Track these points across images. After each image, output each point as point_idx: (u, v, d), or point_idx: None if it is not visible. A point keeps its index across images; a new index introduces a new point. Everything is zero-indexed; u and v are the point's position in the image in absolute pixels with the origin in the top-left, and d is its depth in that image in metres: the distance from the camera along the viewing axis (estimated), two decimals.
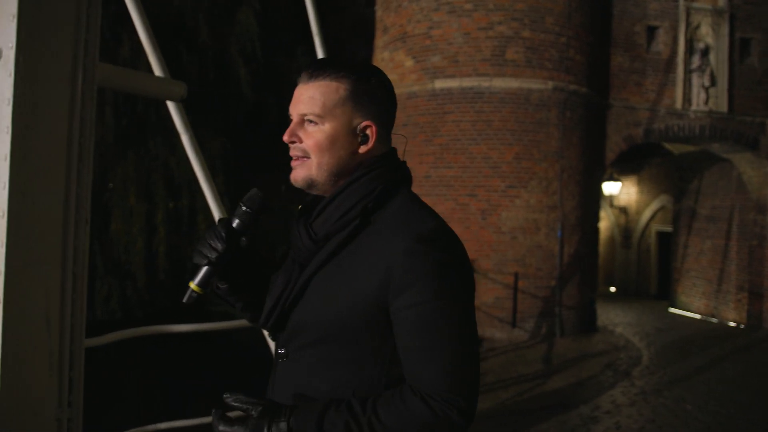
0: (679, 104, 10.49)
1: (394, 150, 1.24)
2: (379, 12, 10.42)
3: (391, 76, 8.38)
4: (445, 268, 1.09)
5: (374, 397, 1.07)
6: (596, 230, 10.43)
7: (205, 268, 1.21)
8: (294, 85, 1.50)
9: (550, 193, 9.06)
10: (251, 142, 17.32)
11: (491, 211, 8.87)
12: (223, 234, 1.20)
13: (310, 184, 1.19)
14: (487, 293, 8.88)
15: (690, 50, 10.60)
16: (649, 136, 10.50)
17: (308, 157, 1.17)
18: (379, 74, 1.21)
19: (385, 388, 1.11)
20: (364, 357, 1.13)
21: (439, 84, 9.05)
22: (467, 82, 8.92)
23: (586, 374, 6.94)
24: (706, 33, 10.68)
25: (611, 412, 5.41)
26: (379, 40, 10.28)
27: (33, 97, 2.32)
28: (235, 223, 1.24)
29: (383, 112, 1.20)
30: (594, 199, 10.16)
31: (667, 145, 12.65)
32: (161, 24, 15.26)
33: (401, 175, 1.22)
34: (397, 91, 7.03)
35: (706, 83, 10.60)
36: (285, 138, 1.19)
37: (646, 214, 16.46)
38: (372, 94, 1.18)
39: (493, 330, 8.87)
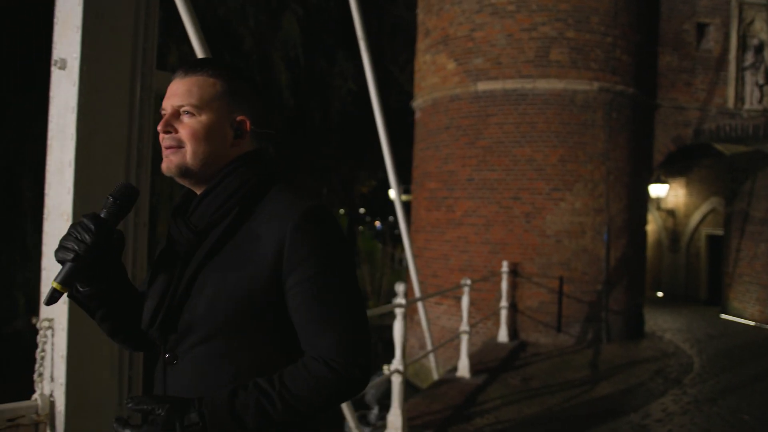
0: (731, 103, 10.15)
1: (266, 148, 1.27)
2: (420, 15, 10.41)
3: (433, 79, 8.38)
4: (333, 240, 1.13)
5: (279, 373, 1.09)
6: (644, 233, 10.17)
7: (69, 264, 1.11)
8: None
9: (596, 196, 8.88)
10: (293, 145, 17.56)
11: (535, 214, 8.74)
12: (92, 226, 1.12)
13: (184, 171, 1.18)
14: (532, 297, 8.75)
15: (743, 47, 10.25)
16: (699, 136, 10.19)
17: (182, 147, 1.17)
18: (251, 76, 1.27)
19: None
20: (262, 342, 1.13)
21: (482, 86, 8.98)
22: (510, 84, 8.83)
23: (635, 381, 6.76)
24: (760, 29, 10.31)
25: (663, 420, 5.26)
26: (421, 44, 10.27)
27: (95, 105, 2.42)
28: (103, 213, 1.16)
29: (256, 110, 1.24)
30: (641, 201, 9.91)
31: (718, 146, 12.26)
32: (206, 29, 15.62)
33: (273, 169, 1.25)
34: (439, 93, 7.05)
35: (761, 81, 10.22)
36: (159, 128, 1.18)
37: (696, 217, 15.97)
38: (246, 93, 1.23)
39: (537, 335, 8.74)
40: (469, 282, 6.43)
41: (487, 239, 8.91)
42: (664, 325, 11.31)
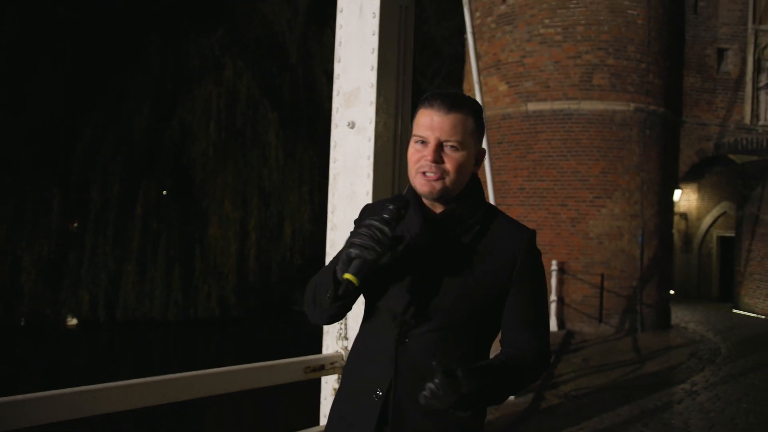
0: (747, 120, 11.41)
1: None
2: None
3: (485, 99, 9.67)
4: (542, 263, 1.46)
5: (510, 357, 1.36)
6: (671, 236, 11.42)
7: (367, 260, 1.26)
8: None
9: (631, 203, 10.13)
10: None
11: (580, 219, 9.98)
12: (387, 230, 1.28)
13: (442, 195, 1.37)
14: (577, 292, 9.99)
15: (758, 69, 11.51)
16: (719, 149, 11.45)
17: (446, 176, 1.35)
18: (481, 109, 1.47)
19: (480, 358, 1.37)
20: (482, 328, 1.39)
21: (532, 107, 10.23)
22: (558, 105, 10.08)
23: (675, 361, 7.99)
24: None
25: (708, 387, 6.49)
26: (471, 66, 11.46)
27: (380, 155, 3.66)
28: (390, 218, 1.31)
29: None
30: (669, 208, 11.16)
31: (730, 155, 13.50)
32: (257, 44, 16.79)
33: None
34: (491, 112, 8.56)
35: None
36: (430, 158, 1.34)
37: (707, 220, 17.20)
38: (482, 127, 1.44)
39: (581, 324, 9.97)
40: None
41: (536, 241, 10.12)
42: (685, 318, 12.55)
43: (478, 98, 6.51)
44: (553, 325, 9.66)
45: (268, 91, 16.62)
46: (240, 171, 16.47)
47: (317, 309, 1.40)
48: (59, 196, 15.03)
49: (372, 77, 3.61)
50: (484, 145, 6.07)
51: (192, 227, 16.82)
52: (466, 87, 11.82)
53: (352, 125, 3.72)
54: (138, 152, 15.33)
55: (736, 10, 11.40)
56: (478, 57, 6.48)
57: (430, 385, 1.18)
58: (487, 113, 10.72)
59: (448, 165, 1.35)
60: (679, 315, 12.93)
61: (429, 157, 1.34)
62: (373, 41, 3.62)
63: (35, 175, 14.70)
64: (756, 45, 11.49)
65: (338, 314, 1.40)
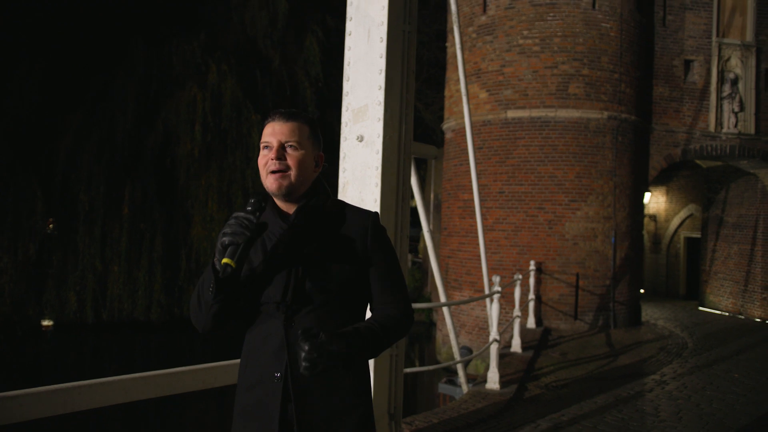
0: (712, 127, 12.08)
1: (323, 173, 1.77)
2: (452, 48, 12.06)
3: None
4: (388, 237, 1.71)
5: (376, 320, 1.58)
6: (641, 237, 12.03)
7: (242, 245, 1.43)
8: None
9: (605, 206, 10.68)
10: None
11: (556, 221, 10.49)
12: (253, 219, 1.46)
13: (290, 190, 1.58)
14: (553, 291, 10.50)
15: (721, 80, 12.19)
16: (686, 155, 12.10)
17: (289, 171, 1.56)
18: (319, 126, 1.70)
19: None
20: (356, 301, 1.62)
21: (511, 114, 10.71)
22: (536, 113, 10.58)
23: (646, 355, 8.53)
24: (735, 65, 12.27)
25: (676, 378, 7.02)
26: (453, 74, 11.93)
27: (386, 165, 4.06)
28: (253, 212, 1.49)
29: (322, 148, 1.71)
30: (639, 210, 11.76)
31: (696, 160, 14.20)
32: (240, 50, 17.02)
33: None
34: (472, 119, 8.96)
35: (736, 109, 12.17)
36: (274, 156, 1.56)
37: (675, 222, 17.97)
38: (320, 136, 1.67)
39: (558, 322, 10.48)
40: (520, 277, 8.12)
41: (515, 242, 10.63)
42: (654, 315, 13.19)
43: (464, 105, 6.95)
44: (532, 322, 10.14)
45: (252, 93, 16.86)
46: (224, 172, 16.66)
47: (201, 311, 1.52)
48: (42, 197, 15.05)
49: (380, 96, 4.01)
50: (469, 149, 6.55)
51: (176, 228, 16.95)
52: (447, 93, 12.26)
53: (360, 138, 4.10)
54: (122, 154, 15.43)
55: (701, 24, 12.07)
56: (465, 68, 6.90)
57: (302, 353, 1.35)
58: None
59: (290, 161, 1.56)
60: (649, 312, 13.57)
61: (273, 156, 1.56)
62: (381, 63, 4.02)
63: (17, 176, 14.71)
64: (720, 57, 12.17)
65: (221, 314, 1.51)
